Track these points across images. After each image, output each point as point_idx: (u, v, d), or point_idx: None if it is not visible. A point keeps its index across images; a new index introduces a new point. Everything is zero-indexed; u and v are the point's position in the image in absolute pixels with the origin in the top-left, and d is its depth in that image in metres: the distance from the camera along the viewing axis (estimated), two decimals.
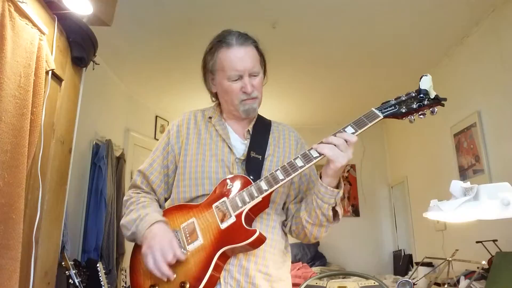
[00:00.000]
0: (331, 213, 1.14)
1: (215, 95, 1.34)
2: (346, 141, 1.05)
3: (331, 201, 1.11)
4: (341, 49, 3.44)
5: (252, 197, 1.10)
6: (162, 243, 1.08)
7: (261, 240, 1.09)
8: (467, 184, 1.31)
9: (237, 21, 2.97)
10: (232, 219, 1.10)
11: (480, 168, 2.96)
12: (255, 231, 1.07)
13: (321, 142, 1.08)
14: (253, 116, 1.29)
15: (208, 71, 1.28)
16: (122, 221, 1.23)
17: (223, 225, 1.10)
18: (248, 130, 1.29)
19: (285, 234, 1.29)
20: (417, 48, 3.39)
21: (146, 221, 1.16)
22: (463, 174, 3.20)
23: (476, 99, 3.05)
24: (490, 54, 2.87)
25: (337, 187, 1.12)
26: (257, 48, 1.25)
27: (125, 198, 1.30)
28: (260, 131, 1.30)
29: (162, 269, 1.06)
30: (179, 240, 1.14)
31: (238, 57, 1.19)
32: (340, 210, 1.17)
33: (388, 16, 2.94)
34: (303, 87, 4.27)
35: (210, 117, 1.32)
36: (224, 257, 1.11)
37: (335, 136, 1.07)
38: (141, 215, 1.18)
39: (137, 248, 1.22)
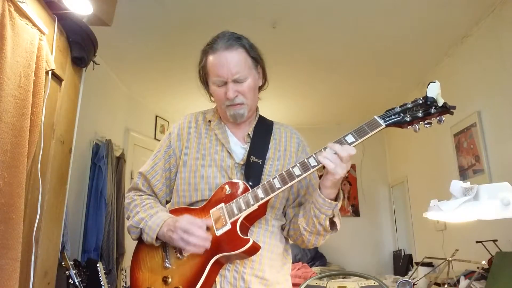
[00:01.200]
0: (328, 223, 1.12)
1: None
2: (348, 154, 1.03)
3: (329, 212, 1.09)
4: (341, 49, 3.44)
5: (248, 205, 1.09)
6: (188, 218, 1.10)
7: (255, 248, 1.08)
8: (467, 184, 1.30)
9: (237, 21, 2.98)
10: (228, 227, 1.09)
11: (480, 168, 2.96)
12: (248, 240, 1.06)
13: (321, 151, 1.06)
14: (241, 121, 1.25)
15: (203, 73, 1.28)
16: (130, 223, 1.21)
17: (218, 232, 1.10)
18: (248, 134, 1.28)
19: (285, 237, 1.28)
20: (417, 48, 3.39)
21: (159, 217, 1.15)
22: (463, 174, 3.20)
23: (476, 99, 3.05)
24: (490, 54, 2.87)
25: (336, 198, 1.10)
26: (247, 51, 1.21)
27: (127, 200, 1.28)
28: (261, 134, 1.29)
29: (199, 234, 1.06)
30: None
31: (221, 63, 1.17)
32: (338, 220, 1.15)
33: (388, 16, 2.94)
34: (303, 87, 4.27)
35: (209, 121, 1.31)
36: (219, 264, 1.11)
37: (342, 145, 1.04)
38: (150, 213, 1.18)
39: (139, 248, 1.22)
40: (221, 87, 1.19)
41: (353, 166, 5.32)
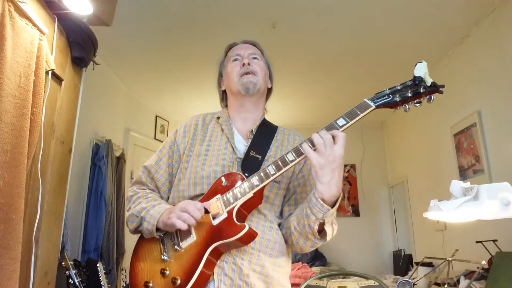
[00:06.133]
0: (316, 228, 1.07)
1: (224, 98, 1.42)
2: (333, 137, 1.01)
3: (319, 215, 1.04)
4: (341, 50, 3.44)
5: (243, 193, 1.10)
6: (187, 201, 1.15)
7: (251, 235, 1.07)
8: (467, 184, 1.30)
9: (237, 21, 2.98)
10: (224, 215, 1.10)
11: (480, 168, 2.96)
12: (244, 226, 1.06)
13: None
14: (252, 93, 1.29)
15: (220, 75, 1.42)
16: (130, 212, 1.22)
17: (215, 222, 1.10)
18: (252, 131, 1.29)
19: None
20: (417, 48, 3.39)
21: (161, 207, 1.17)
22: (463, 174, 3.20)
23: (476, 99, 3.05)
24: (490, 54, 2.87)
25: (334, 204, 1.04)
26: (262, 52, 1.41)
27: (129, 193, 1.30)
28: (264, 133, 1.30)
29: (194, 213, 1.08)
30: (173, 236, 1.16)
31: (240, 46, 1.38)
32: (329, 230, 1.10)
33: (388, 16, 2.94)
34: (302, 87, 4.27)
35: (218, 117, 1.34)
36: (217, 254, 1.11)
37: (323, 130, 1.04)
38: (153, 204, 1.20)
39: (138, 245, 1.23)
40: (237, 61, 1.34)
41: (353, 166, 5.32)
